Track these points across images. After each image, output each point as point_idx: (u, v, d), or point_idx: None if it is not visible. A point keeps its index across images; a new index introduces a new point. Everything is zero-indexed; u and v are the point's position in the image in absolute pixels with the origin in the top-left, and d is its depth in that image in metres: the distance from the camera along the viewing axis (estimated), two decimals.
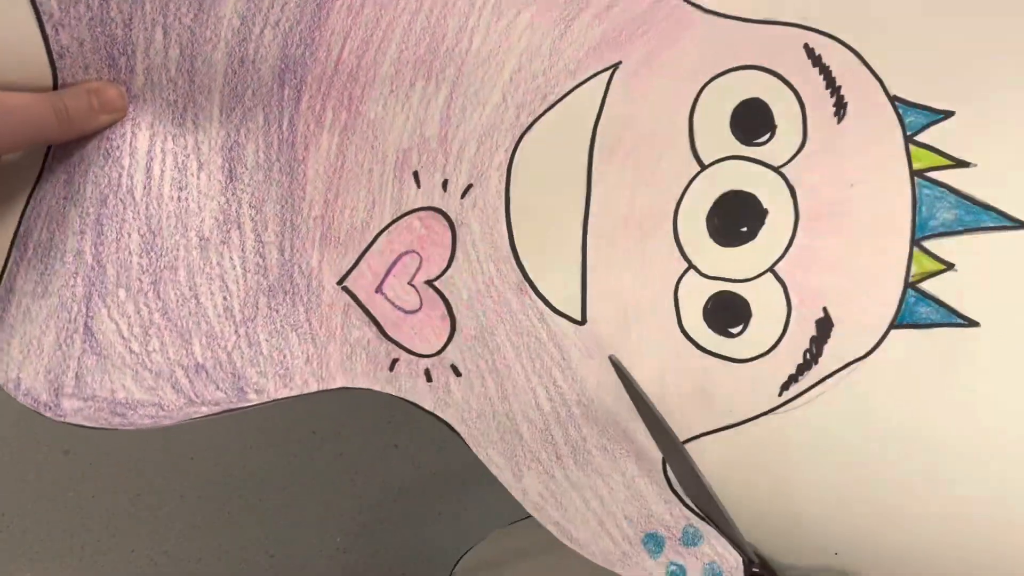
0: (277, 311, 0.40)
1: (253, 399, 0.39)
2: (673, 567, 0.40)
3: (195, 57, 0.41)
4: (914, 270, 0.40)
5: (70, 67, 0.41)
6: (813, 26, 0.39)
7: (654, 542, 0.40)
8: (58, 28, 0.40)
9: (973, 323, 0.40)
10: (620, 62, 0.40)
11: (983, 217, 0.40)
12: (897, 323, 0.40)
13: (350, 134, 0.41)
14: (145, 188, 0.41)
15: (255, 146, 0.41)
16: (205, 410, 0.40)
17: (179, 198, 0.41)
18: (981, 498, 0.40)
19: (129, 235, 0.41)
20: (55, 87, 0.41)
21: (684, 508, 0.41)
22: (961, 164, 0.40)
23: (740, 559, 0.40)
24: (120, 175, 0.41)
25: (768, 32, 0.40)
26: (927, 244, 0.40)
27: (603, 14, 0.40)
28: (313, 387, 0.40)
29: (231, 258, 0.41)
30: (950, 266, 0.40)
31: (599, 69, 0.40)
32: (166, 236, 0.41)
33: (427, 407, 0.40)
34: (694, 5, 0.40)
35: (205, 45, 0.40)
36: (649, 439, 0.41)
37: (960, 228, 0.40)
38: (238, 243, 0.41)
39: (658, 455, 0.41)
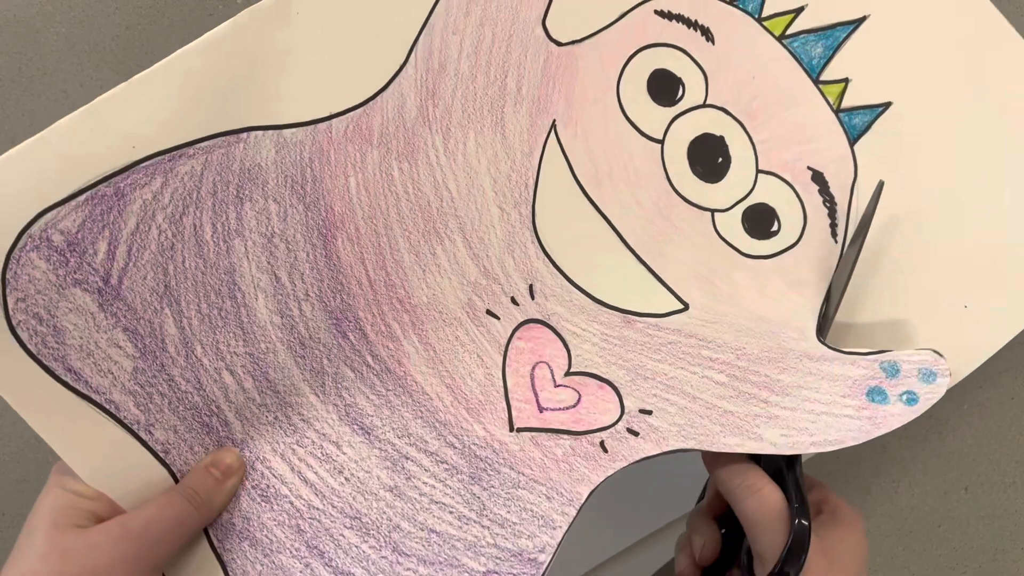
0: (493, 487, 0.44)
1: (544, 558, 0.43)
2: (905, 396, 0.45)
3: (267, 373, 0.43)
4: (831, 101, 0.50)
5: (178, 456, 0.42)
6: None
7: (876, 393, 0.45)
8: (150, 430, 0.41)
9: (888, 104, 0.50)
10: (554, 119, 0.47)
11: (838, 32, 0.50)
12: (854, 140, 0.50)
13: (420, 326, 0.45)
14: (318, 494, 0.43)
15: (364, 396, 0.44)
16: None
17: (347, 479, 0.43)
18: None
19: (342, 536, 0.42)
20: (176, 482, 0.42)
21: (862, 356, 0.48)
22: (798, 11, 0.50)
23: (931, 353, 0.45)
24: (291, 502, 0.42)
25: (627, 23, 0.48)
26: (823, 78, 0.50)
27: (517, 96, 0.46)
28: (572, 512, 0.44)
29: (424, 482, 0.43)
30: (847, 80, 0.50)
31: (544, 136, 0.47)
32: (366, 511, 0.43)
33: (654, 453, 0.45)
34: (565, 44, 0.47)
35: (267, 357, 0.43)
36: (806, 342, 0.47)
37: (832, 51, 0.50)
38: (417, 468, 0.44)
39: (814, 338, 0.47)
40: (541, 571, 0.43)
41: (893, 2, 0.49)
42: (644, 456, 0.45)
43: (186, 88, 0.40)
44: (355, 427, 0.44)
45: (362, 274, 0.44)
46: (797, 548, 0.40)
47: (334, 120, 0.43)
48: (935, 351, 0.45)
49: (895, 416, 0.43)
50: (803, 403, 0.45)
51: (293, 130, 0.42)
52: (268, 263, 0.42)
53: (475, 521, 0.43)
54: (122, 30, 0.54)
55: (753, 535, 0.41)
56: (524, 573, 0.43)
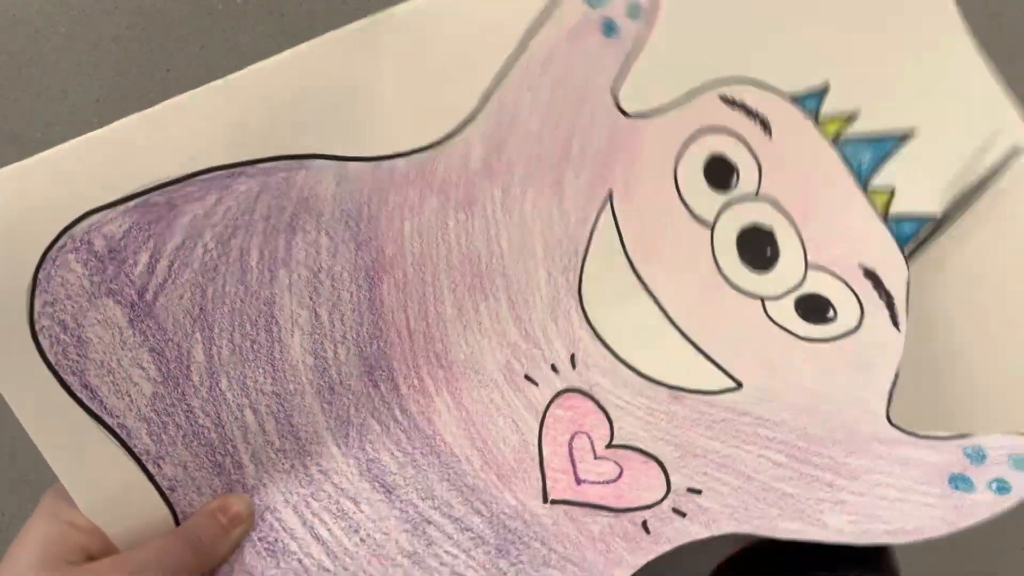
0: (521, 560, 0.41)
1: None
2: (994, 484, 0.41)
3: (291, 416, 0.40)
4: (879, 208, 0.50)
5: (183, 496, 0.38)
6: (722, 77, 0.48)
7: (960, 481, 0.42)
8: (159, 463, 0.37)
9: (935, 215, 0.51)
10: (611, 189, 0.46)
11: (887, 143, 0.51)
12: (903, 246, 0.50)
13: (455, 384, 0.43)
14: (329, 554, 0.39)
15: (388, 452, 0.41)
16: None
17: (362, 539, 0.40)
18: None
19: None
20: (176, 523, 0.38)
21: (942, 440, 0.43)
22: (852, 116, 0.50)
23: (1021, 437, 0.42)
24: (300, 560, 0.39)
25: (693, 105, 0.47)
26: (872, 186, 0.50)
27: (580, 162, 0.45)
28: None
29: (446, 551, 0.40)
30: (892, 189, 0.51)
31: (600, 205, 0.46)
32: (379, 574, 0.39)
33: (702, 536, 0.42)
34: (632, 117, 0.46)
35: (294, 399, 0.40)
36: (875, 424, 0.46)
37: (880, 159, 0.51)
38: (440, 535, 0.41)
39: (884, 421, 0.44)
40: None
41: (941, 116, 0.51)
42: (691, 539, 0.42)
43: (255, 105, 0.38)
44: (376, 484, 0.41)
45: (403, 322, 0.42)
46: None
47: (398, 160, 0.41)
48: None
49: (985, 505, 0.40)
50: (875, 488, 0.42)
51: (357, 164, 0.40)
52: (311, 299, 0.40)
53: None
54: (122, 30, 0.53)
55: None
56: None
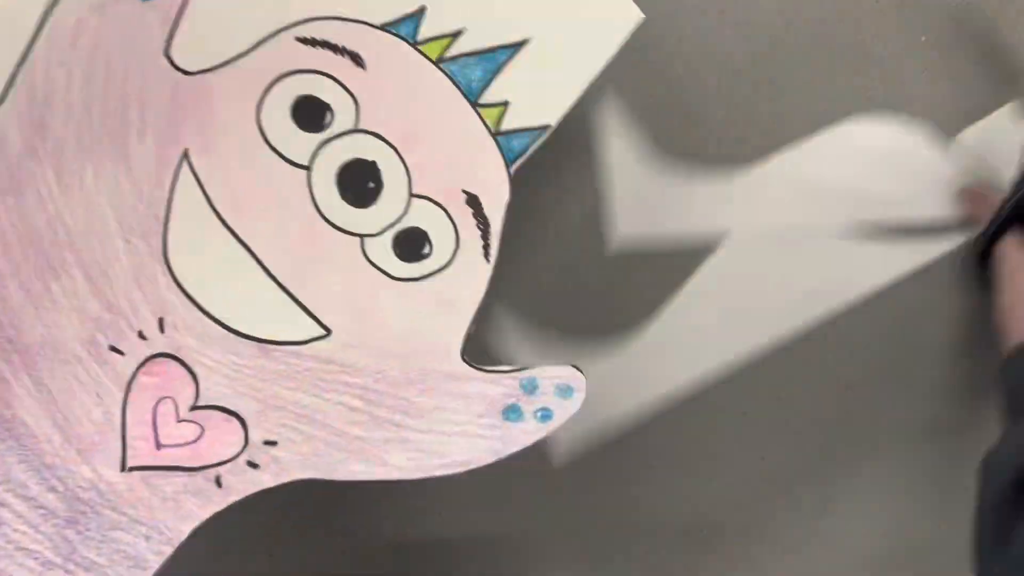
0: (89, 529, 0.42)
1: None
2: (539, 413, 0.46)
3: None
4: (490, 124, 0.49)
5: None
6: (291, 22, 0.47)
7: (511, 411, 0.46)
8: None
9: (547, 127, 0.49)
10: (186, 148, 0.46)
11: (498, 55, 0.49)
12: (511, 163, 0.49)
13: (33, 366, 0.43)
14: None
15: None
16: None
17: None
18: None
19: None
20: None
21: (504, 373, 0.46)
22: (456, 34, 0.49)
23: (570, 368, 0.46)
24: None
25: (265, 51, 0.47)
26: (482, 101, 0.49)
27: (141, 127, 0.45)
28: (168, 551, 0.42)
29: (14, 529, 0.41)
30: (506, 103, 0.49)
31: (175, 165, 0.45)
32: None
33: (271, 485, 0.43)
34: (195, 74, 0.46)
35: None
36: (450, 362, 0.46)
37: (491, 74, 0.49)
38: (11, 515, 0.42)
39: (458, 357, 0.46)
40: None
41: (553, 26, 0.49)
42: (261, 488, 0.43)
43: None
44: None
45: None
46: None
47: None
48: (575, 366, 0.44)
49: (527, 434, 0.45)
50: (437, 424, 0.45)
51: None
52: None
53: (59, 566, 0.41)
54: None
55: None
56: None
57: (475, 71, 0.49)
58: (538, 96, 0.49)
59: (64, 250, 0.44)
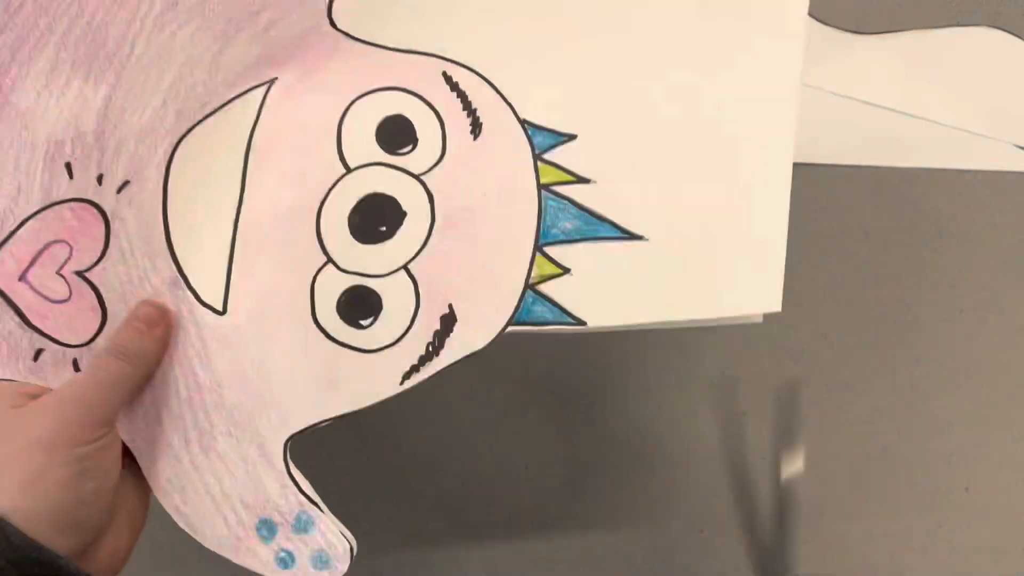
0: None
1: None
2: (283, 553, 0.42)
3: None
4: (535, 273, 0.45)
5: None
6: (450, 57, 0.45)
7: (267, 528, 0.42)
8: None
9: (581, 322, 0.45)
10: (276, 78, 0.44)
11: (599, 228, 0.46)
12: (516, 321, 0.45)
13: None
14: None
15: None
16: None
17: None
18: None
19: None
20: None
21: (300, 495, 0.43)
22: (582, 180, 0.46)
23: (348, 546, 0.43)
24: None
25: (410, 60, 0.45)
26: (548, 250, 0.45)
27: (260, 36, 0.44)
28: None
29: None
30: (566, 270, 0.45)
31: (256, 84, 0.44)
32: None
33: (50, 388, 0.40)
34: (344, 33, 0.44)
35: None
36: (273, 428, 0.43)
37: (578, 237, 0.46)
38: None
39: (281, 442, 0.43)
40: None
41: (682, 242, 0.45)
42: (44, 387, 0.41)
43: None
44: None
45: None
46: None
47: None
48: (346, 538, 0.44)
49: (253, 560, 0.44)
50: (209, 472, 0.44)
51: None
52: None
53: None
54: None
55: None
56: None
57: (565, 219, 0.45)
58: (602, 296, 0.45)
59: (109, 63, 0.42)
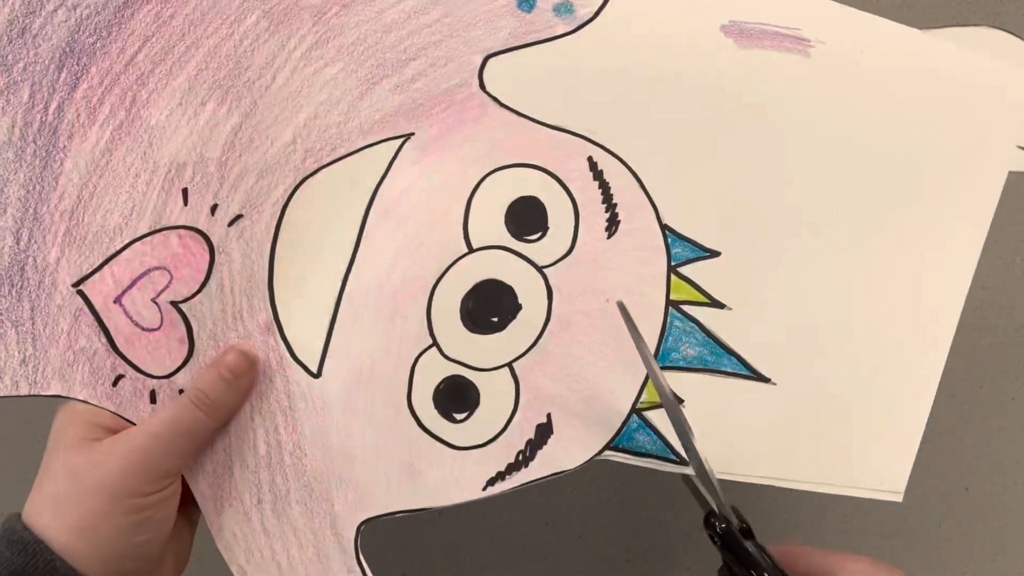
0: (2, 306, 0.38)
1: None
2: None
3: None
4: (645, 397, 0.42)
5: None
6: (599, 142, 0.42)
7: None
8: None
9: (684, 462, 0.41)
10: (412, 133, 0.41)
11: (724, 361, 0.42)
12: (613, 445, 0.41)
13: (123, 134, 0.40)
14: None
15: (12, 121, 0.39)
16: None
17: None
18: None
19: None
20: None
21: None
22: (717, 304, 0.42)
23: None
24: None
25: (557, 138, 0.42)
26: (665, 375, 0.42)
27: (405, 85, 0.41)
28: (24, 390, 0.38)
29: None
30: (680, 401, 0.42)
31: (392, 136, 0.41)
32: None
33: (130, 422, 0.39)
34: (492, 98, 0.41)
35: None
36: (349, 507, 0.40)
37: (699, 366, 0.42)
38: None
39: (354, 525, 0.40)
40: None
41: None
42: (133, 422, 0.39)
43: None
44: None
45: (133, 47, 0.39)
46: None
47: None
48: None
49: None
50: (278, 539, 0.41)
51: None
52: None
53: None
54: None
55: None
56: None
57: (689, 344, 0.41)
58: (713, 438, 0.41)
59: (246, 90, 0.40)
